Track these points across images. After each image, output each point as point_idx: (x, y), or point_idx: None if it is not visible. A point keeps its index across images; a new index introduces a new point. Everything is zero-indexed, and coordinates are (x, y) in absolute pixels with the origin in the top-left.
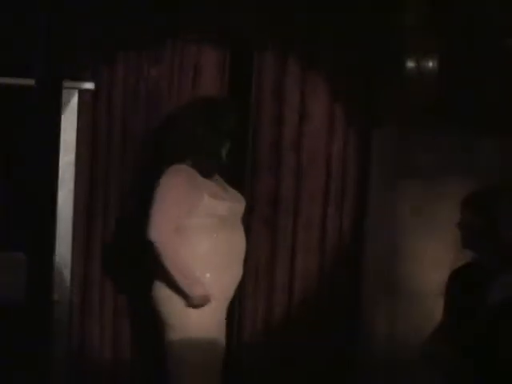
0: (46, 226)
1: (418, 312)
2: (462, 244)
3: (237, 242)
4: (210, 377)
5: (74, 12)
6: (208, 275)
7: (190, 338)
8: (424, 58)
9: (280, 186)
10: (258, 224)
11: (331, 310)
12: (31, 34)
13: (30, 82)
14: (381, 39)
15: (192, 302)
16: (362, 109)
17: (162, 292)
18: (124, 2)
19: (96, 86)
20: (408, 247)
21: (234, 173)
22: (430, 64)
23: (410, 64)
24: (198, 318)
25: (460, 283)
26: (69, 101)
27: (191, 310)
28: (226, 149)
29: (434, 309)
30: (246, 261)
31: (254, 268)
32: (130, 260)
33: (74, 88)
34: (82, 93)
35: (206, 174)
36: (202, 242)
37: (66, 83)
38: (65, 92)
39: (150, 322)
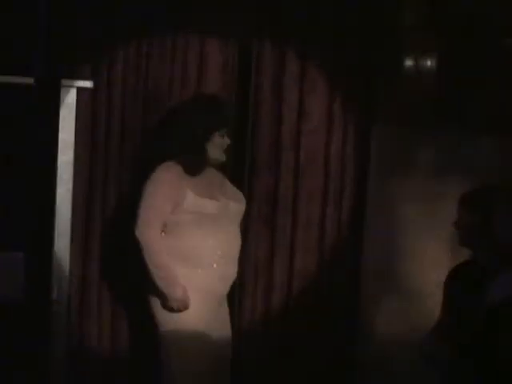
0: (45, 225)
1: (417, 311)
2: (459, 242)
3: (227, 240)
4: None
5: (73, 11)
6: (197, 270)
7: (177, 337)
8: (423, 57)
9: (279, 185)
10: (256, 223)
11: (330, 309)
12: (31, 33)
13: (30, 80)
14: (381, 39)
15: (169, 305)
16: (361, 108)
17: (150, 290)
18: (123, 1)
19: (95, 84)
20: (407, 246)
21: (233, 172)
22: (430, 64)
23: (410, 63)
24: (183, 315)
25: (458, 282)
26: (67, 99)
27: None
28: (221, 147)
29: (434, 308)
30: (244, 260)
31: (253, 267)
32: (128, 259)
33: (73, 86)
34: (81, 91)
35: (193, 171)
36: (185, 239)
37: (65, 82)
38: (63, 90)
39: (148, 322)
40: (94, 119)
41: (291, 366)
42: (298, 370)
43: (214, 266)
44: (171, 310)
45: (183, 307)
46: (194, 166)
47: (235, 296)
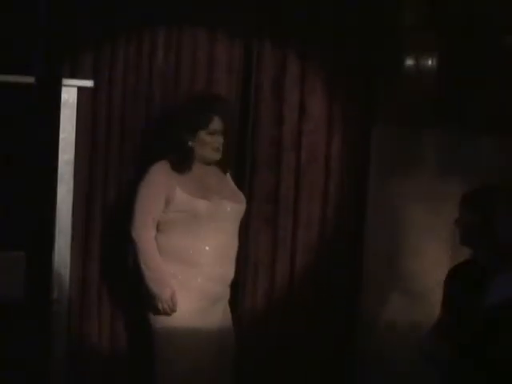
0: (45, 224)
1: (419, 310)
2: (459, 241)
3: (219, 240)
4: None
5: (74, 10)
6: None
7: (170, 335)
8: (423, 57)
9: (280, 185)
10: (257, 222)
11: (331, 308)
12: (31, 32)
13: (30, 79)
14: (381, 39)
15: (157, 306)
16: (362, 108)
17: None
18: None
19: (95, 84)
20: (408, 246)
21: (235, 171)
22: (430, 63)
23: (410, 63)
24: (175, 314)
25: (457, 281)
26: (68, 99)
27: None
28: (210, 145)
29: (435, 306)
30: (245, 259)
31: (254, 266)
32: (128, 260)
33: (74, 86)
34: (82, 91)
35: (183, 170)
36: (175, 238)
37: (66, 81)
38: (64, 90)
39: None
40: (94, 119)
41: (291, 366)
42: (297, 369)
43: (206, 265)
44: (159, 311)
45: (170, 310)
46: (183, 165)
47: (237, 295)
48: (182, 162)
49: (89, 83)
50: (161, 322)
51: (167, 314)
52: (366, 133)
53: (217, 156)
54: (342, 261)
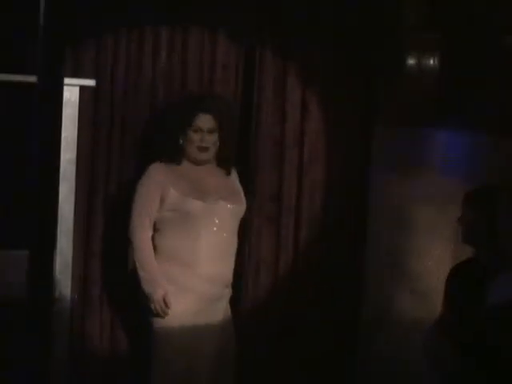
0: (47, 223)
1: (421, 309)
2: (462, 239)
3: (213, 240)
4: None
5: (76, 9)
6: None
7: (168, 335)
8: (423, 57)
9: (282, 184)
10: (260, 221)
11: (333, 308)
12: (32, 31)
13: (32, 78)
14: (381, 39)
15: (152, 307)
16: (363, 108)
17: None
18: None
19: (97, 83)
20: (411, 245)
21: (237, 170)
22: (430, 63)
23: (410, 63)
24: (173, 314)
25: (459, 280)
26: (70, 98)
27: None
28: (194, 144)
29: (438, 305)
30: (247, 258)
31: (256, 265)
32: (128, 259)
33: (76, 85)
34: (84, 90)
35: (176, 170)
36: (169, 237)
37: (68, 80)
38: (66, 89)
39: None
40: (96, 118)
41: (292, 365)
42: (298, 368)
43: (202, 266)
44: (152, 312)
45: (162, 311)
46: (176, 164)
47: (239, 294)
48: (172, 161)
49: (91, 82)
50: (159, 321)
51: (160, 315)
52: (367, 132)
53: (202, 156)
54: (344, 260)
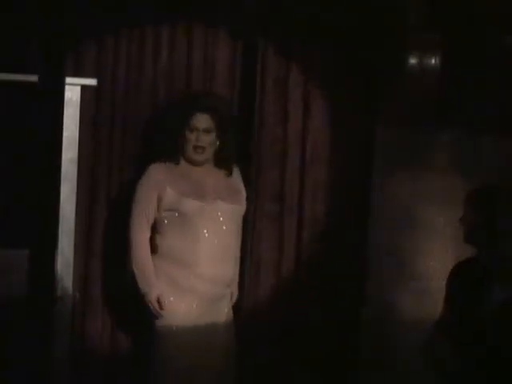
0: (49, 223)
1: (424, 309)
2: (463, 239)
3: (212, 241)
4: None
5: (77, 9)
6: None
7: (169, 334)
8: (424, 57)
9: (284, 183)
10: (262, 221)
11: (335, 308)
12: (34, 30)
13: (34, 78)
14: (383, 39)
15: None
16: (365, 108)
17: None
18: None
19: (98, 82)
20: (412, 245)
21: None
22: (430, 63)
23: (410, 63)
24: (173, 314)
25: (459, 279)
26: (71, 97)
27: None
28: (190, 143)
29: (440, 305)
30: (250, 257)
31: (258, 265)
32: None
33: (77, 84)
34: (85, 89)
35: (175, 170)
36: (168, 238)
37: (69, 80)
38: (68, 88)
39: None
40: (97, 117)
41: (293, 364)
42: (299, 367)
43: (201, 266)
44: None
45: (156, 312)
46: (175, 164)
47: (242, 293)
48: (171, 161)
49: (92, 82)
50: (161, 321)
51: (155, 315)
52: (367, 132)
53: (198, 156)
54: (346, 260)
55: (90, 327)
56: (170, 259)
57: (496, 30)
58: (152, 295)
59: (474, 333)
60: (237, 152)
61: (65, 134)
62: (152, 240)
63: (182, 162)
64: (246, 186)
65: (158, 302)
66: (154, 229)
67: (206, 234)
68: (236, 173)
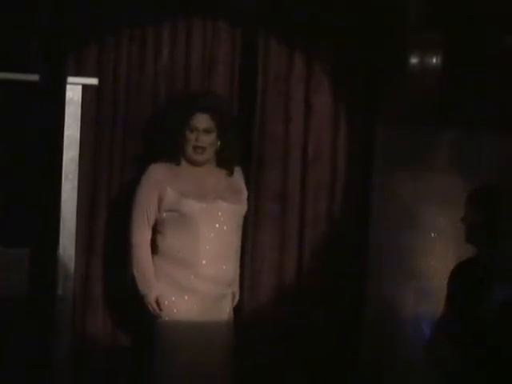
0: (50, 222)
1: (425, 308)
2: (465, 239)
3: (212, 241)
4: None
5: (78, 8)
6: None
7: (170, 332)
8: (424, 57)
9: (286, 183)
10: (264, 220)
11: (336, 308)
12: (35, 30)
13: (35, 77)
14: (384, 38)
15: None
16: (366, 107)
17: None
18: None
19: (99, 81)
20: (414, 244)
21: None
22: (430, 63)
23: (410, 63)
24: (174, 314)
25: (460, 279)
26: (73, 96)
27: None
28: (190, 143)
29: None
30: (251, 257)
31: (261, 264)
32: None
33: (78, 84)
34: (86, 89)
35: (175, 170)
36: (168, 238)
37: (71, 79)
38: (69, 88)
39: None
40: (99, 116)
41: (293, 364)
42: (299, 367)
43: (201, 265)
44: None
45: (156, 313)
46: (175, 164)
47: (243, 293)
48: (171, 161)
49: (93, 81)
50: (162, 321)
51: (156, 315)
52: (368, 132)
53: (198, 156)
54: (347, 260)
55: (90, 326)
56: (170, 259)
57: (496, 30)
58: (151, 296)
59: (474, 333)
60: (239, 152)
61: (66, 133)
62: (153, 240)
63: (183, 162)
64: (247, 185)
65: (158, 303)
66: (155, 229)
67: (207, 234)
68: (237, 173)
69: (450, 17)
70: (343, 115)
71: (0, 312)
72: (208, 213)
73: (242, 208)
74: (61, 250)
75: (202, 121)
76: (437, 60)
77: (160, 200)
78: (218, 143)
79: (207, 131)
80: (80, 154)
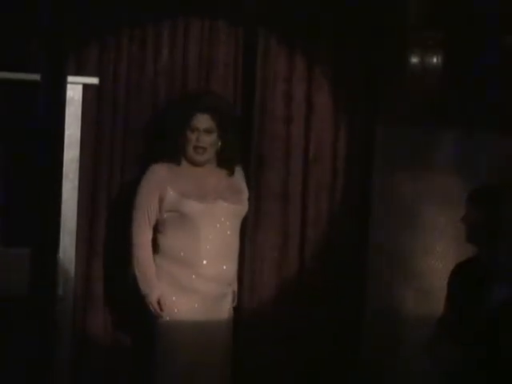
0: (50, 221)
1: (425, 308)
2: (465, 238)
3: (213, 241)
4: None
5: (78, 8)
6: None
7: (171, 331)
8: (424, 57)
9: (287, 183)
10: (265, 220)
11: (336, 307)
12: (35, 29)
13: (36, 77)
14: (385, 38)
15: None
16: (366, 107)
17: None
18: None
19: (100, 81)
20: (414, 244)
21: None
22: (430, 63)
23: (410, 63)
24: (175, 314)
25: (460, 279)
26: (73, 96)
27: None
28: (191, 144)
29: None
30: (252, 257)
31: (262, 264)
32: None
33: (79, 83)
34: (87, 88)
35: (176, 170)
36: (169, 238)
37: (71, 78)
38: (69, 87)
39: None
40: (99, 116)
41: (294, 364)
42: (300, 366)
43: (202, 265)
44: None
45: (157, 313)
46: (176, 164)
47: (244, 292)
48: (172, 161)
49: (94, 80)
50: (163, 321)
51: (157, 315)
52: (368, 132)
53: (199, 156)
54: (347, 260)
55: (91, 326)
56: (171, 259)
57: (496, 30)
58: (153, 296)
59: (474, 332)
60: (240, 152)
61: (66, 132)
62: (154, 240)
63: (184, 163)
64: (247, 185)
65: (159, 303)
66: (156, 229)
67: (208, 234)
68: (238, 173)
69: (450, 17)
70: (343, 115)
71: (0, 312)
72: (209, 213)
73: (242, 208)
74: (61, 250)
75: (202, 121)
76: (437, 60)
77: (161, 200)
78: (219, 143)
79: (208, 131)
80: (80, 154)
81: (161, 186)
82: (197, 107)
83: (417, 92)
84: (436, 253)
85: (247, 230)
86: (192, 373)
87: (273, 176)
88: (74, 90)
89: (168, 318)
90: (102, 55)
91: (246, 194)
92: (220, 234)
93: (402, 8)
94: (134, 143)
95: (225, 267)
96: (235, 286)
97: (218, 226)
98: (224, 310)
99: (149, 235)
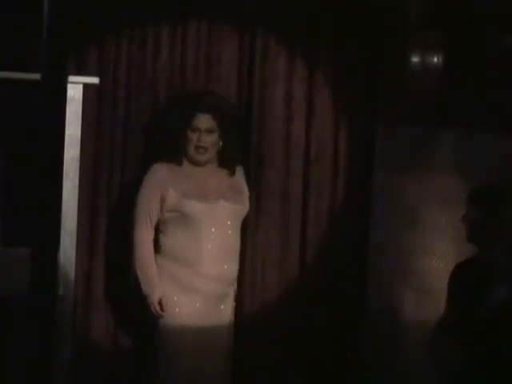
0: (51, 221)
1: (426, 308)
2: (466, 238)
3: (214, 241)
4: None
5: (79, 7)
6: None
7: (172, 332)
8: (424, 57)
9: (286, 182)
10: (266, 220)
11: (337, 307)
12: (36, 28)
13: (36, 76)
14: (385, 38)
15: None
16: (367, 107)
17: None
18: None
19: (100, 80)
20: (415, 244)
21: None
22: (430, 63)
23: (410, 63)
24: (176, 313)
25: (460, 279)
26: (74, 95)
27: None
28: (192, 143)
29: (443, 305)
30: (253, 256)
31: (263, 263)
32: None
33: (79, 83)
34: (87, 87)
35: (177, 170)
36: (170, 237)
37: (71, 78)
38: (70, 87)
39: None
40: (100, 115)
41: (294, 364)
42: (300, 366)
43: (204, 265)
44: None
45: (158, 314)
46: (177, 164)
47: (244, 292)
48: (173, 161)
49: (94, 80)
50: (165, 321)
51: (157, 316)
52: (368, 132)
53: (200, 156)
54: (348, 259)
55: (92, 326)
56: (173, 259)
57: (496, 30)
58: (154, 297)
59: (474, 333)
60: (240, 152)
61: (67, 132)
62: (155, 240)
63: (185, 163)
64: (248, 185)
65: (160, 303)
66: (157, 228)
67: (209, 234)
68: (239, 172)
69: (450, 17)
70: (343, 115)
71: (0, 312)
72: (210, 213)
73: (243, 208)
74: (62, 250)
75: (203, 121)
76: (437, 60)
77: (162, 200)
78: (220, 143)
79: (209, 131)
80: (81, 153)
81: (162, 186)
82: (198, 107)
83: (417, 92)
84: (436, 253)
85: (248, 230)
86: (194, 374)
87: (273, 176)
88: (75, 89)
89: (169, 319)
90: (102, 55)
91: (247, 193)
92: (221, 234)
93: (402, 8)
94: (134, 143)
95: (226, 267)
96: (236, 286)
97: (220, 225)
98: (226, 309)
99: (150, 235)
